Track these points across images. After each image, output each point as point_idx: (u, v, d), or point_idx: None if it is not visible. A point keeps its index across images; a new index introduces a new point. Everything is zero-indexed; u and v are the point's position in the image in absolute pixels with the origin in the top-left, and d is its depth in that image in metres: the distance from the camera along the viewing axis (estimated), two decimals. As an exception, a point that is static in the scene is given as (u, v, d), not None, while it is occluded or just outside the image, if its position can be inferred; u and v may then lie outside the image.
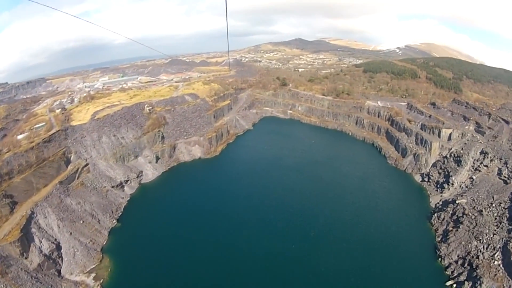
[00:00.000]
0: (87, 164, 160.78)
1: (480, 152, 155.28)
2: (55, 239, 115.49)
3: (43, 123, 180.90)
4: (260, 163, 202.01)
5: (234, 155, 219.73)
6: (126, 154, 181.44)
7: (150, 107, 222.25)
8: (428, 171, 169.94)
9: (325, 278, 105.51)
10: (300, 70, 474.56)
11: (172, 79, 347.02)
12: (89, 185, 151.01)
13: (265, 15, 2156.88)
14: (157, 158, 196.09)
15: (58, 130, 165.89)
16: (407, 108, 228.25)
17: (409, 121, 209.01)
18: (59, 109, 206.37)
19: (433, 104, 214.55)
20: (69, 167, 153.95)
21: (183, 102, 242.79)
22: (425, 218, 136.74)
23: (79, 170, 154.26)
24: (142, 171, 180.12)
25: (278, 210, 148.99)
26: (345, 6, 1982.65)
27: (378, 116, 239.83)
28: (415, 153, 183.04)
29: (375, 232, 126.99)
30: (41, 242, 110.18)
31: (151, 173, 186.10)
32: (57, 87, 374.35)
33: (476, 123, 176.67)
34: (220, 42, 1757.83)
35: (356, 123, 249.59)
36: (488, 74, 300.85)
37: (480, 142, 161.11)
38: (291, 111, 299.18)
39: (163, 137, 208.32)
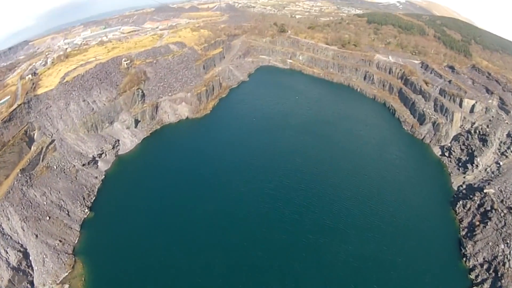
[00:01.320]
0: (53, 141, 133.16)
1: (507, 135, 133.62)
2: (21, 246, 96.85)
3: (8, 97, 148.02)
4: (259, 123, 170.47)
5: (228, 113, 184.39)
6: (98, 121, 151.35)
7: (128, 61, 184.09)
8: (449, 144, 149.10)
9: (339, 268, 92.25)
10: (297, 16, 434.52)
11: (157, 27, 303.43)
12: (55, 167, 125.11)
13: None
14: (137, 122, 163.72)
15: (20, 104, 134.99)
16: (421, 67, 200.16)
17: (426, 83, 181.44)
18: (29, 75, 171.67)
19: (451, 67, 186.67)
20: (32, 148, 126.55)
21: (168, 52, 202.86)
22: (447, 204, 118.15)
23: (44, 150, 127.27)
24: (118, 140, 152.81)
25: (284, 187, 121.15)
26: None
27: (390, 73, 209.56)
28: (435, 122, 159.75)
29: (394, 217, 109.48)
30: (7, 252, 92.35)
31: (129, 141, 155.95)
32: (38, 48, 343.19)
33: (500, 98, 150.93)
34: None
35: (365, 78, 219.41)
36: (496, 43, 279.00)
37: (507, 123, 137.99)
38: (291, 61, 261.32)
39: (143, 96, 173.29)
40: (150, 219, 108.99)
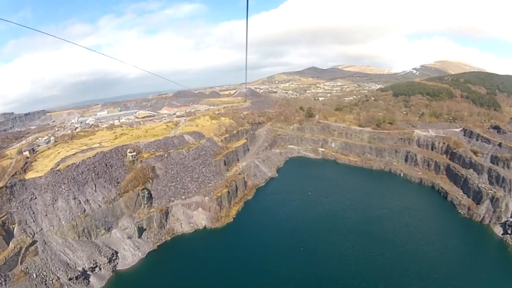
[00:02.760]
0: (34, 242, 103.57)
1: None
2: None
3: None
4: (296, 229, 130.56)
5: (256, 222, 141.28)
6: (92, 226, 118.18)
7: (134, 153, 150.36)
8: (511, 219, 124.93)
9: None
10: (320, 99, 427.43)
11: (174, 113, 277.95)
12: (35, 275, 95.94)
13: (276, 46, 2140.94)
14: (141, 231, 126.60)
15: (1, 188, 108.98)
16: (464, 135, 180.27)
17: (475, 153, 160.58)
18: (27, 151, 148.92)
19: (496, 127, 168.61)
20: (10, 244, 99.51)
21: (182, 144, 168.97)
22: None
23: (23, 250, 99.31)
24: (117, 252, 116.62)
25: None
26: (354, 30, 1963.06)
27: (432, 149, 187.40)
28: (493, 197, 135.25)
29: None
30: None
31: (131, 254, 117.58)
32: (54, 121, 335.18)
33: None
34: (232, 76, 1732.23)
35: (406, 160, 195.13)
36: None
37: None
38: (322, 149, 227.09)
39: (150, 198, 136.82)
40: None
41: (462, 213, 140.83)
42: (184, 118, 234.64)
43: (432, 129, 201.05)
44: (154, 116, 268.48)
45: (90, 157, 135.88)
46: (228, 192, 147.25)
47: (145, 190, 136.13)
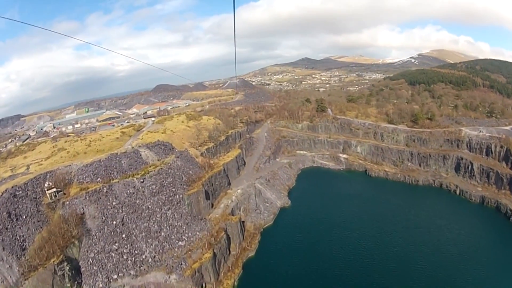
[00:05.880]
0: None
1: None
2: None
3: None
4: None
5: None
6: None
7: (53, 190, 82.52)
8: None
9: None
10: (321, 89, 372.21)
11: (145, 112, 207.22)
12: None
13: (266, 37, 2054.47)
14: None
15: None
16: None
17: None
18: None
19: None
20: None
21: (136, 165, 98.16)
22: None
23: None
24: None
25: None
26: (346, 18, 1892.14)
27: (487, 154, 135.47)
28: None
29: None
30: None
31: None
32: (22, 127, 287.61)
33: None
34: (223, 70, 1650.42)
35: (457, 169, 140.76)
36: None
37: None
38: (345, 155, 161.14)
39: (77, 275, 72.13)
40: None
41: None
42: (153, 118, 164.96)
43: (482, 127, 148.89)
44: (118, 118, 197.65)
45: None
46: (214, 254, 78.56)
47: (65, 262, 69.29)
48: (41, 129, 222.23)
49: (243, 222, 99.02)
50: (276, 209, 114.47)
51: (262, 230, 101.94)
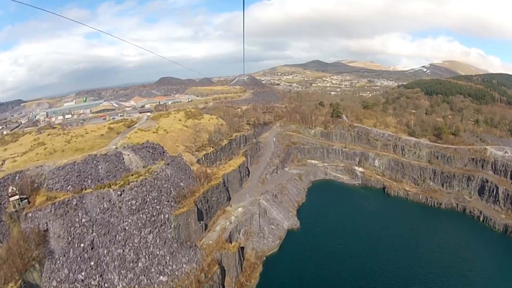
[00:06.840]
0: None
1: None
2: None
3: None
4: None
5: None
6: None
7: (18, 198, 67.82)
8: None
9: None
10: (332, 93, 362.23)
11: (142, 106, 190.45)
12: None
13: (277, 37, 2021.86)
14: None
15: None
16: None
17: None
18: None
19: None
20: None
21: (115, 172, 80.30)
22: None
23: None
24: None
25: None
26: (358, 23, 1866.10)
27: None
28: None
29: None
30: None
31: None
32: (20, 113, 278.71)
33: None
34: (233, 67, 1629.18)
35: (481, 193, 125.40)
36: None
37: None
38: (361, 169, 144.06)
39: None
40: None
41: None
42: (148, 114, 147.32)
43: (508, 147, 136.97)
44: (112, 110, 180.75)
45: None
46: (205, 296, 61.38)
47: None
48: (35, 117, 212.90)
49: (243, 248, 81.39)
50: (282, 232, 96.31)
51: (264, 258, 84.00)
